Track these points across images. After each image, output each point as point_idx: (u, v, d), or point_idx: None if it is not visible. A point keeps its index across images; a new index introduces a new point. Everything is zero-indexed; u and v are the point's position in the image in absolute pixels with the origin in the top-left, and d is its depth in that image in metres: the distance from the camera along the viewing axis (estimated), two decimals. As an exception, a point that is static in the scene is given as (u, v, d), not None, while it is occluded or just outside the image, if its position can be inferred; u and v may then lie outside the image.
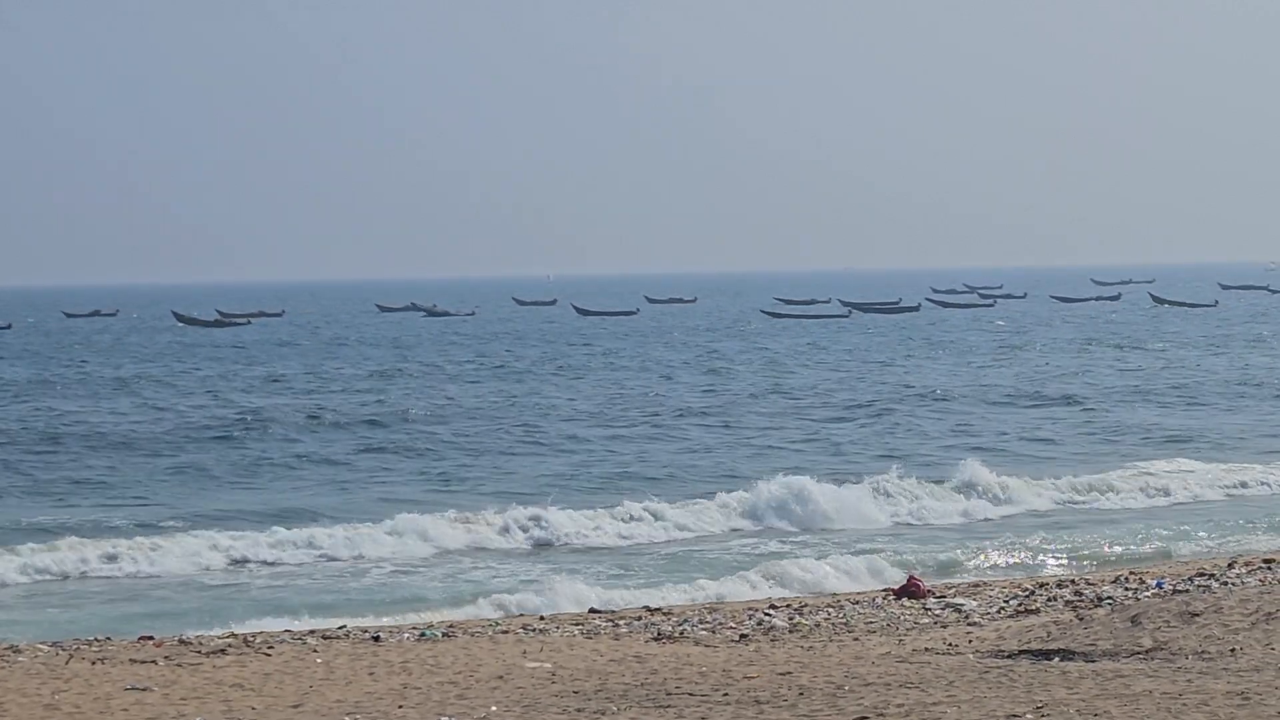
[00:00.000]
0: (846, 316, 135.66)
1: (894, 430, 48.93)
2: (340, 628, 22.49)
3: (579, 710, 15.62)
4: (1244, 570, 24.60)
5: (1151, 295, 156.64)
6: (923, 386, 62.47)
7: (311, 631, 21.97)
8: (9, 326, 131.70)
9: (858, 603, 23.66)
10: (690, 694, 16.22)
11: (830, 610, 22.79)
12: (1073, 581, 24.83)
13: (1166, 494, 36.94)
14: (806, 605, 23.48)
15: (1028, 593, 23.70)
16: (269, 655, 19.15)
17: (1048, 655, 18.05)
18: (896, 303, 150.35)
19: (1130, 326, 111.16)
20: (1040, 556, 29.26)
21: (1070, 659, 17.76)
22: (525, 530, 31.84)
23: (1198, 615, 19.23)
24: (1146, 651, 17.84)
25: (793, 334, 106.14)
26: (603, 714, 15.43)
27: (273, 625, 22.92)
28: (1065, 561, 28.88)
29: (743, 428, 49.79)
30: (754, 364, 77.46)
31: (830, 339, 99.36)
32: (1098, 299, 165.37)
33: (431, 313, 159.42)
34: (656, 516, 33.03)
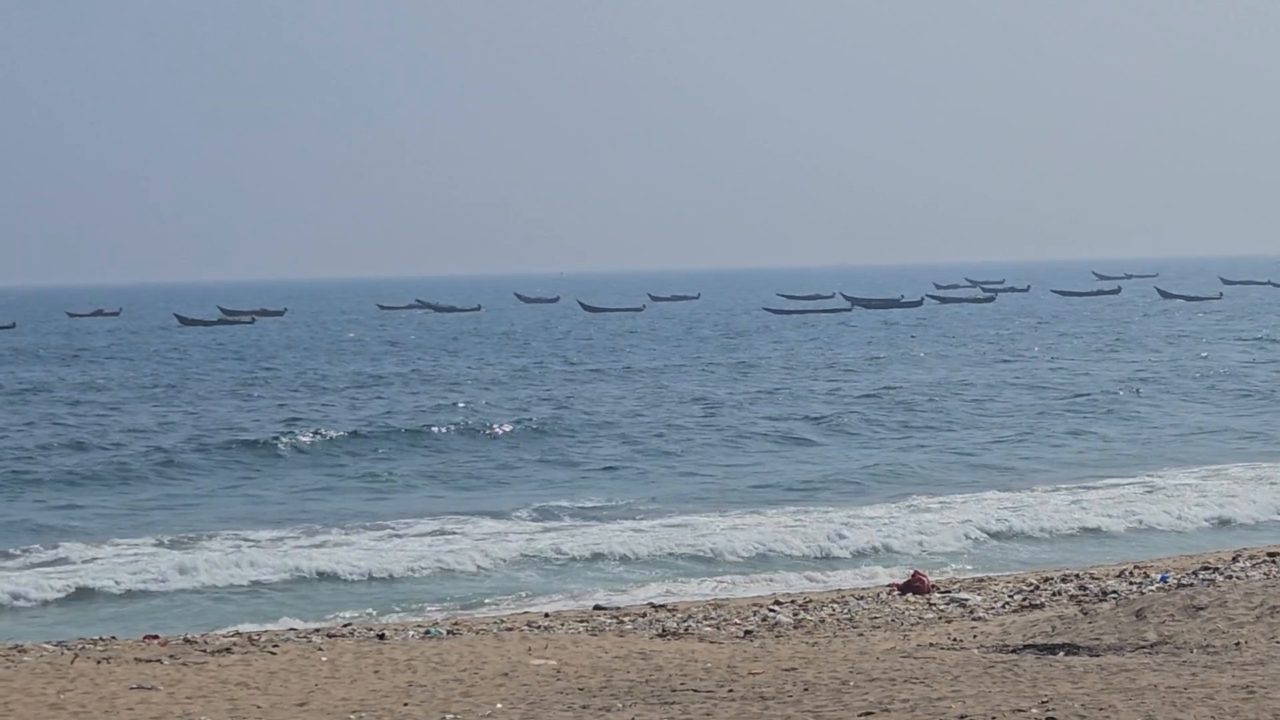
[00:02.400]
0: (849, 310, 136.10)
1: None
2: (345, 625, 22.51)
3: (584, 707, 15.61)
4: (1249, 564, 24.58)
5: (1158, 290, 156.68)
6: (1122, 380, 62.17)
7: (316, 630, 21.99)
8: (13, 325, 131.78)
9: (862, 598, 23.66)
10: (695, 690, 16.21)
11: (835, 606, 22.80)
12: (1077, 576, 24.82)
13: None
14: (811, 601, 23.48)
15: (1032, 587, 23.70)
16: (274, 654, 19.15)
17: (1052, 650, 18.04)
18: (899, 298, 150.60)
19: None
20: None
21: (1075, 653, 17.75)
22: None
23: (1202, 609, 19.21)
24: (1151, 645, 17.83)
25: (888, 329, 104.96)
26: (608, 711, 15.42)
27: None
28: None
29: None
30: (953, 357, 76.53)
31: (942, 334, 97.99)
32: (1098, 293, 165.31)
33: (435, 309, 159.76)
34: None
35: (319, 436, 46.24)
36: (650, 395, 59.63)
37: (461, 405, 56.45)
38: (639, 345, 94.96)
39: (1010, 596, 22.95)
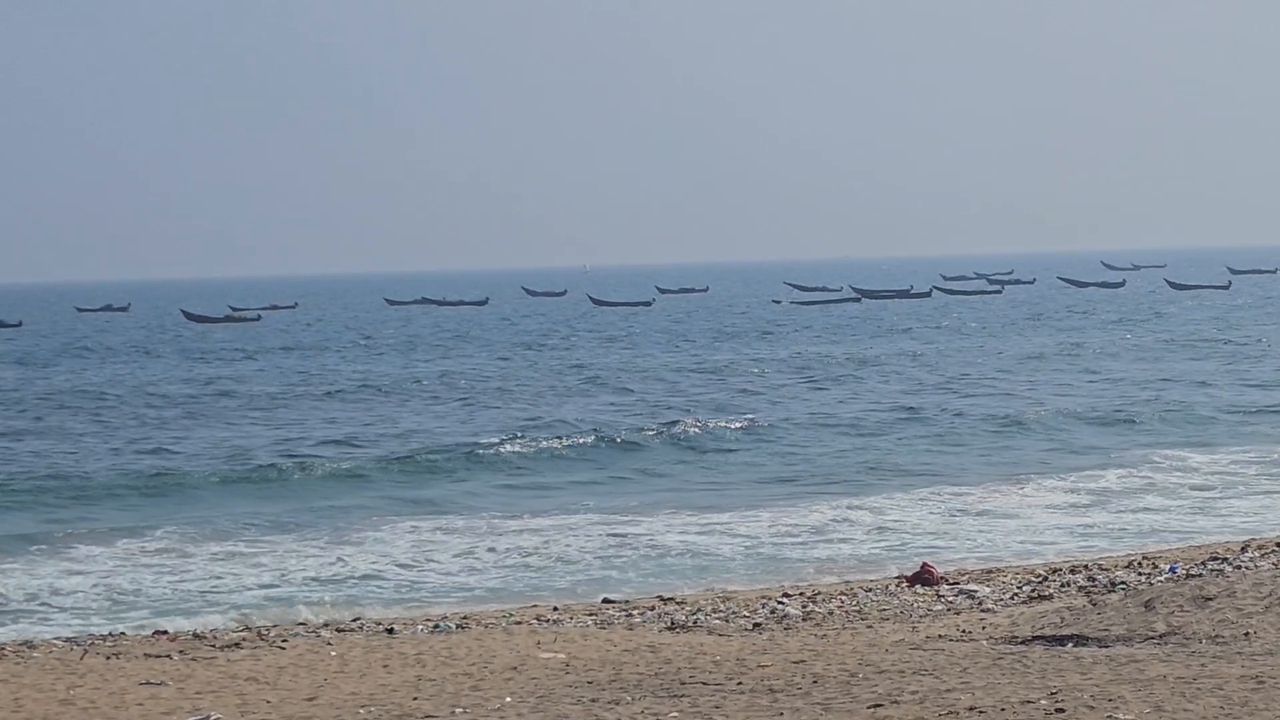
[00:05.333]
0: (857, 302, 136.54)
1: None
2: (354, 620, 22.53)
3: (593, 700, 15.63)
4: (1257, 554, 24.55)
5: (1167, 281, 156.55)
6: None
7: (325, 624, 22.00)
8: (19, 324, 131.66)
9: (871, 590, 23.65)
10: (704, 683, 16.22)
11: (844, 598, 22.80)
12: (1086, 567, 24.81)
13: None
14: (820, 593, 23.48)
15: (1041, 578, 23.68)
16: (283, 648, 19.16)
17: (1061, 641, 18.05)
18: (908, 289, 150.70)
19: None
20: None
21: (1084, 644, 17.75)
22: None
23: (1211, 599, 19.20)
24: (1160, 636, 17.83)
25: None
26: (617, 704, 15.43)
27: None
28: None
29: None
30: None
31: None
32: (1103, 284, 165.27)
33: (441, 304, 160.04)
34: None
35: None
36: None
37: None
38: (820, 335, 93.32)
39: (1019, 588, 22.94)
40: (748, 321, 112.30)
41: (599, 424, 47.87)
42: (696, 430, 45.62)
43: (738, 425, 46.73)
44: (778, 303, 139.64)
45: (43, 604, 25.42)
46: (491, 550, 28.92)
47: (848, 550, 28.75)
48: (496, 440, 43.60)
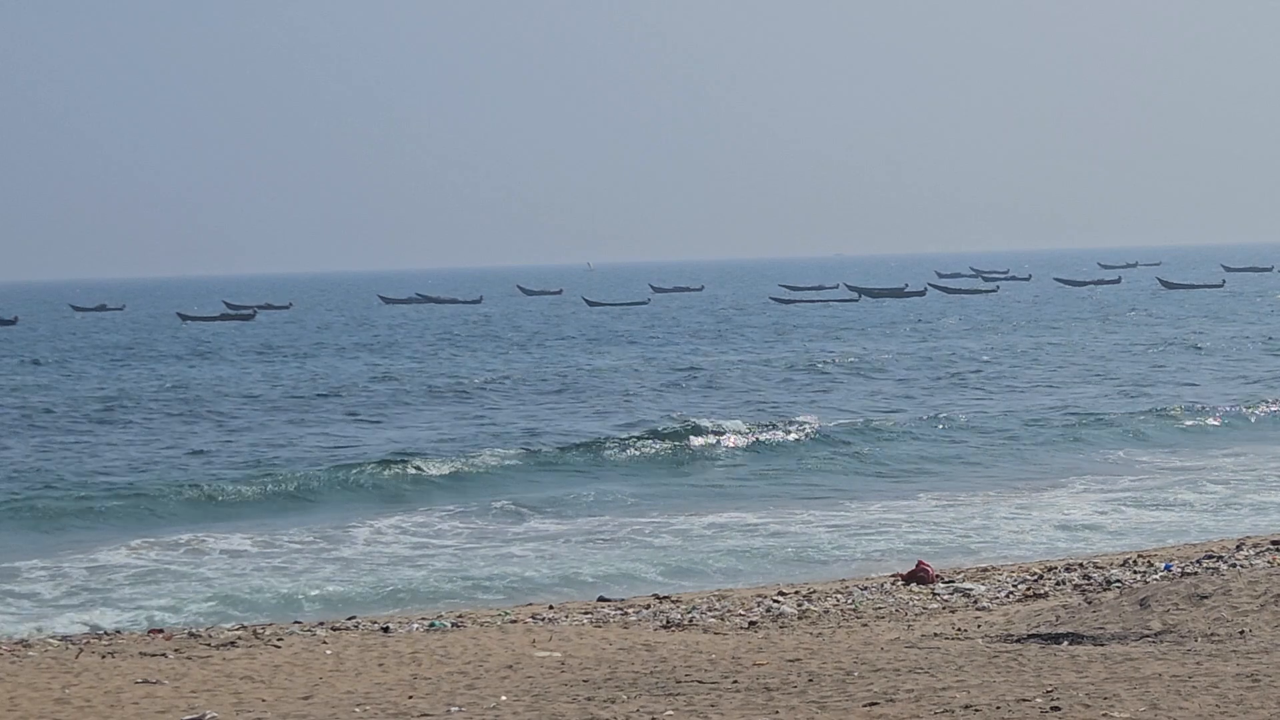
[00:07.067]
0: (855, 301, 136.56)
1: None
2: (350, 619, 22.53)
3: (589, 699, 15.62)
4: (1252, 552, 24.57)
5: (1160, 280, 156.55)
6: None
7: (320, 623, 22.01)
8: (14, 321, 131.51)
9: (866, 589, 23.66)
10: (700, 682, 16.22)
11: (839, 597, 22.81)
12: (1081, 565, 24.82)
13: None
14: (815, 592, 23.49)
15: (1036, 577, 23.70)
16: (278, 647, 19.16)
17: (1057, 639, 18.06)
18: (903, 287, 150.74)
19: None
20: None
21: (1079, 642, 17.76)
22: None
23: (1206, 598, 19.21)
24: (1155, 634, 17.84)
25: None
26: (612, 702, 15.43)
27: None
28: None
29: None
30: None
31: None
32: (1099, 282, 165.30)
33: (437, 301, 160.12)
34: None
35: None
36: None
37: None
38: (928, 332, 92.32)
39: (1014, 586, 22.95)
40: (785, 318, 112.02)
41: (699, 423, 46.95)
42: (813, 429, 45.35)
43: (854, 424, 46.65)
44: (781, 302, 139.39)
45: (72, 597, 26.26)
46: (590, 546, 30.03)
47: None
48: (610, 436, 44.22)
